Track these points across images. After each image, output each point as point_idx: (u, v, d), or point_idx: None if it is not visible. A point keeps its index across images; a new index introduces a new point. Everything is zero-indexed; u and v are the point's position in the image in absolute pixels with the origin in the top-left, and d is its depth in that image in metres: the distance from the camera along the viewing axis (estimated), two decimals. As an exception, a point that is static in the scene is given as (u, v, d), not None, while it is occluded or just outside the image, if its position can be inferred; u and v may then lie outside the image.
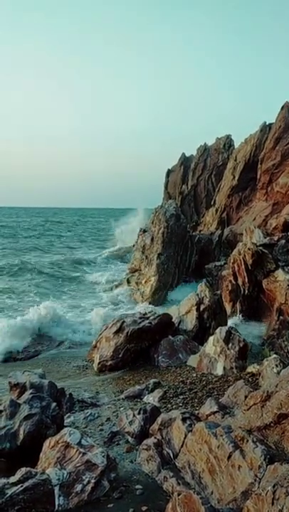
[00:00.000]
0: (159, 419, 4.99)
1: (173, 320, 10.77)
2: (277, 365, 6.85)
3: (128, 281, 20.95)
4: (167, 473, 4.31)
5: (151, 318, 10.21)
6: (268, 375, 6.69)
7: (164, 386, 7.49)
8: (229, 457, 3.84)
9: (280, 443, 3.92)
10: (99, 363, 9.84)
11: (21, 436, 5.08)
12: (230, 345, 8.42)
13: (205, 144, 39.33)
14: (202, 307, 11.12)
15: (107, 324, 10.65)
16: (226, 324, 10.68)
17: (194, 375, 8.22)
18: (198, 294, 11.36)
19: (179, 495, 3.50)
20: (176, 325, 10.90)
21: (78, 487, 4.09)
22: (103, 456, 4.29)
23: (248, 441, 3.84)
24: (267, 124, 29.50)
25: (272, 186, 26.44)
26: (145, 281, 19.94)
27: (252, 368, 7.71)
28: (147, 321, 10.09)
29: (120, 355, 9.69)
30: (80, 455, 4.30)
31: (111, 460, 4.38)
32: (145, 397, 7.05)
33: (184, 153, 41.29)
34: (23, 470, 4.01)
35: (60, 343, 12.62)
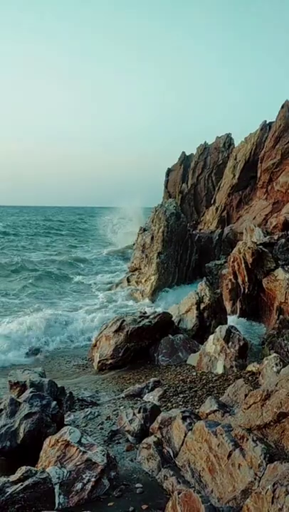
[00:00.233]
0: (159, 418, 4.99)
1: (173, 319, 10.78)
2: (277, 364, 6.85)
3: (128, 280, 20.96)
4: (167, 471, 4.31)
5: (151, 317, 10.22)
6: (267, 373, 6.69)
7: (164, 385, 7.50)
8: (229, 456, 3.84)
9: (280, 442, 3.92)
10: (99, 362, 9.85)
11: (21, 435, 5.08)
12: (230, 344, 8.42)
13: (205, 142, 39.30)
14: (202, 306, 11.13)
15: (107, 323, 10.66)
16: (226, 323, 10.69)
17: (194, 373, 8.23)
18: (198, 293, 11.37)
19: (179, 493, 3.50)
20: (176, 324, 10.92)
21: (78, 486, 4.09)
22: (103, 455, 4.29)
23: (248, 439, 3.84)
24: (267, 122, 29.48)
25: (273, 185, 26.43)
26: (145, 280, 19.96)
27: (252, 367, 7.72)
28: (147, 319, 10.10)
29: (120, 354, 9.70)
30: (80, 454, 4.30)
31: (111, 459, 4.38)
32: (145, 395, 7.06)
33: (184, 152, 41.28)
34: (24, 468, 4.02)
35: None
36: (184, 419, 4.67)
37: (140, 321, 10.01)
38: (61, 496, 4.01)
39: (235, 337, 8.53)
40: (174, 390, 7.12)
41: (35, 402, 5.47)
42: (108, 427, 5.78)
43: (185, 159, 40.73)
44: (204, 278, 12.91)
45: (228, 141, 37.75)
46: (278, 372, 6.26)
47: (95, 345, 10.47)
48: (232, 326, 9.11)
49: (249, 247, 14.72)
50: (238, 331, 8.87)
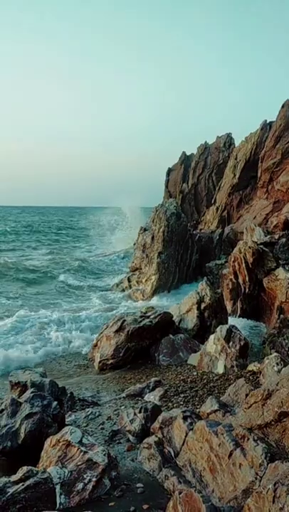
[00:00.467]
0: (160, 418, 4.99)
1: (173, 319, 10.77)
2: (277, 364, 6.85)
3: (129, 280, 20.96)
4: (168, 471, 4.31)
5: (151, 316, 10.22)
6: (268, 373, 6.69)
7: (164, 385, 7.49)
8: (230, 455, 3.84)
9: (280, 441, 3.92)
10: (100, 362, 9.85)
11: (22, 435, 5.09)
12: (230, 343, 8.42)
13: (205, 142, 39.31)
14: (203, 306, 11.12)
15: (108, 323, 10.66)
16: (227, 323, 10.69)
17: (195, 373, 8.23)
18: (198, 293, 11.36)
19: (180, 493, 3.51)
20: (177, 323, 10.91)
21: (79, 486, 4.10)
22: (104, 455, 4.29)
23: (248, 439, 3.84)
24: (267, 122, 29.47)
25: (273, 185, 26.42)
26: (146, 280, 19.96)
27: (253, 367, 7.71)
28: (148, 319, 10.10)
29: (121, 354, 9.70)
30: (81, 454, 4.30)
31: (112, 459, 4.38)
32: (146, 395, 7.06)
33: (184, 152, 41.29)
34: (25, 469, 4.02)
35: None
36: (184, 418, 4.67)
37: (141, 321, 10.01)
38: (62, 496, 4.01)
39: (236, 337, 8.53)
40: (174, 390, 7.12)
41: (36, 402, 5.47)
42: (109, 426, 5.78)
43: (185, 159, 40.74)
44: (205, 278, 12.91)
45: (228, 141, 37.75)
46: (279, 371, 6.25)
47: (96, 345, 10.47)
48: (233, 326, 9.10)
49: (250, 247, 14.72)
50: (238, 330, 8.86)
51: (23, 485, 3.84)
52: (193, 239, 22.49)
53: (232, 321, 12.32)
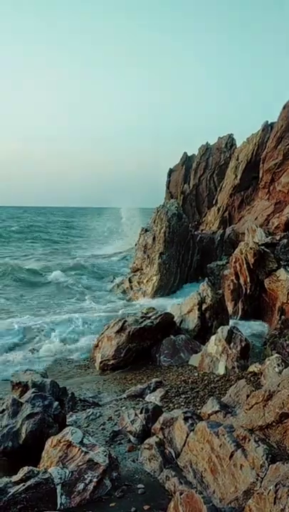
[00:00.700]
0: (160, 419, 4.99)
1: (174, 319, 10.77)
2: (279, 365, 6.84)
3: (130, 281, 20.96)
4: (169, 472, 4.31)
5: (152, 317, 10.21)
6: (269, 374, 6.68)
7: (165, 385, 7.49)
8: (231, 456, 3.84)
9: (282, 442, 3.91)
10: (101, 363, 9.85)
11: (23, 435, 5.09)
12: (232, 344, 8.42)
13: (207, 143, 39.32)
14: (204, 306, 11.12)
15: (109, 324, 10.66)
16: (228, 324, 10.68)
17: (196, 374, 8.22)
18: (200, 294, 11.36)
19: (180, 494, 3.50)
20: (178, 324, 10.91)
21: (80, 486, 4.10)
22: (105, 455, 4.29)
23: (250, 440, 3.84)
24: (269, 123, 29.46)
25: (275, 185, 26.39)
26: (147, 281, 19.95)
27: (254, 368, 7.70)
28: (149, 320, 10.09)
29: (122, 355, 9.69)
30: (82, 454, 4.30)
31: (113, 459, 4.38)
32: (147, 396, 7.05)
33: (185, 153, 41.31)
34: (26, 469, 4.02)
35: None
36: (185, 419, 4.67)
37: (142, 322, 10.01)
38: (63, 497, 4.01)
39: (237, 338, 8.52)
40: (175, 391, 7.12)
41: (37, 402, 5.48)
42: (110, 427, 5.78)
43: (187, 160, 40.75)
44: (206, 278, 12.91)
45: (230, 142, 37.75)
46: (280, 372, 6.25)
47: (97, 346, 10.47)
48: (234, 327, 9.10)
49: (251, 248, 14.72)
50: (239, 331, 8.86)
51: (24, 485, 3.84)
52: (194, 239, 22.49)
53: (233, 321, 12.32)
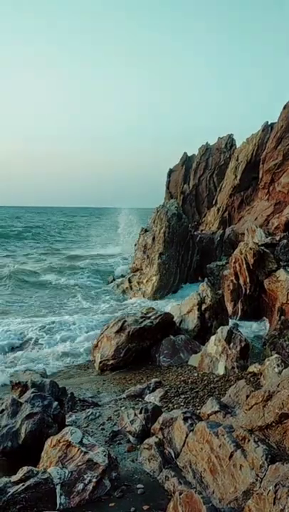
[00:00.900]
0: (160, 419, 4.99)
1: (174, 319, 10.77)
2: (278, 365, 6.84)
3: (129, 281, 20.95)
4: (168, 472, 4.31)
5: (152, 317, 10.21)
6: (269, 374, 6.68)
7: (165, 385, 7.49)
8: (231, 457, 3.84)
9: (281, 443, 3.91)
10: (100, 363, 9.84)
11: (23, 435, 5.09)
12: (231, 344, 8.42)
13: (207, 143, 39.35)
14: (204, 307, 11.12)
15: (109, 323, 10.66)
16: (228, 324, 10.68)
17: (196, 374, 8.22)
18: (199, 294, 11.36)
19: (180, 494, 3.50)
20: (178, 324, 10.90)
21: (80, 486, 4.09)
22: (104, 456, 4.29)
23: (249, 440, 3.84)
24: (269, 123, 29.48)
25: (274, 186, 26.40)
26: (146, 281, 19.95)
27: (253, 368, 7.70)
28: (148, 320, 10.09)
29: (121, 355, 9.69)
30: (82, 454, 4.30)
31: (112, 459, 4.38)
32: (146, 396, 7.05)
33: (185, 153, 41.34)
34: (25, 469, 4.02)
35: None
36: (185, 419, 4.67)
37: (142, 322, 10.00)
38: (62, 497, 4.01)
39: (237, 338, 8.52)
40: (175, 391, 7.12)
41: (36, 402, 5.48)
42: (109, 427, 5.78)
43: (187, 160, 40.78)
44: (206, 279, 12.91)
45: (229, 142, 37.78)
46: (280, 373, 6.26)
47: (96, 346, 10.46)
48: (233, 327, 9.10)
49: (251, 248, 14.72)
50: (239, 331, 8.86)
51: (23, 485, 3.84)
52: (194, 240, 22.49)
53: (233, 322, 12.31)
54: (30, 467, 4.06)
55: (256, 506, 3.14)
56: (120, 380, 8.78)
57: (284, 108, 26.89)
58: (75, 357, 11.56)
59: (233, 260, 15.37)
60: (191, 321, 11.06)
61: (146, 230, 21.79)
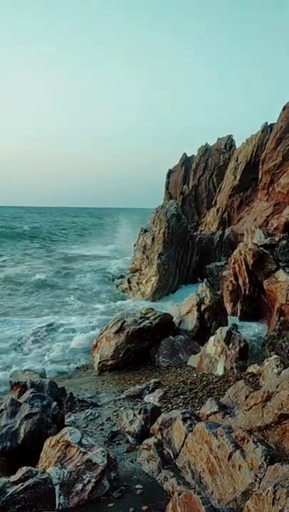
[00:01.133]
0: (159, 419, 4.99)
1: (173, 320, 10.77)
2: (277, 366, 6.84)
3: (129, 282, 20.96)
4: (167, 473, 4.31)
5: (151, 318, 10.21)
6: (268, 375, 6.68)
7: (164, 386, 7.49)
8: (230, 457, 3.84)
9: (280, 443, 3.91)
10: (99, 363, 9.84)
11: (22, 435, 5.08)
12: (230, 345, 8.42)
13: (206, 144, 39.38)
14: (203, 307, 11.12)
15: (108, 324, 10.65)
16: (227, 324, 10.68)
17: (195, 375, 8.22)
18: (198, 294, 11.36)
19: (179, 495, 3.50)
20: (177, 325, 10.90)
21: (79, 486, 4.09)
22: (103, 456, 4.29)
23: (248, 441, 3.84)
24: (268, 124, 29.51)
25: (274, 187, 26.43)
26: (146, 281, 19.95)
27: (252, 369, 7.71)
28: (148, 320, 10.09)
29: (121, 355, 9.69)
30: (81, 454, 4.30)
31: (111, 459, 4.38)
32: (146, 396, 7.05)
33: (185, 154, 41.37)
34: (24, 469, 4.02)
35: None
36: (184, 420, 4.67)
37: (141, 322, 10.00)
38: (61, 497, 4.01)
39: (236, 338, 8.52)
40: (174, 391, 7.11)
41: (35, 402, 5.47)
42: (108, 427, 5.78)
43: (186, 160, 40.80)
44: (205, 279, 12.91)
45: (229, 143, 37.82)
46: (279, 373, 6.25)
47: (96, 346, 10.45)
48: (233, 328, 9.10)
49: (250, 249, 14.73)
50: (238, 332, 8.86)
51: (22, 485, 3.84)
52: (193, 240, 22.50)
53: (232, 322, 12.31)
54: (29, 467, 4.06)
55: (255, 507, 3.14)
56: (119, 381, 8.78)
57: (283, 109, 26.93)
58: (74, 357, 11.55)
59: (233, 261, 15.38)
60: (191, 322, 11.06)
61: (145, 231, 21.79)
